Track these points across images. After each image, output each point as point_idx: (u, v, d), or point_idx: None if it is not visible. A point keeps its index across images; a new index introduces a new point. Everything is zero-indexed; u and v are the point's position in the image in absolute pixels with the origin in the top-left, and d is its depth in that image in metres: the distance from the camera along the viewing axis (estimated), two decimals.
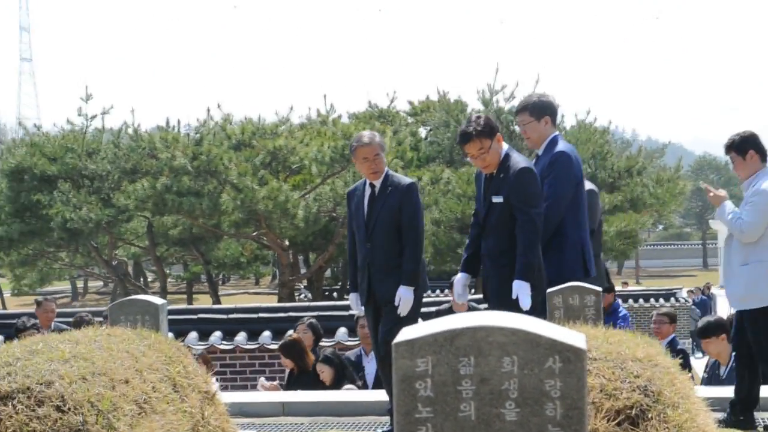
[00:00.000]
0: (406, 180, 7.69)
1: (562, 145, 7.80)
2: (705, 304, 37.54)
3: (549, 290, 7.14)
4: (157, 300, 7.38)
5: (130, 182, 27.31)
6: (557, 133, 7.91)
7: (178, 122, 29.78)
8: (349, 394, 9.21)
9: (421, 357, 2.76)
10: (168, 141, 27.29)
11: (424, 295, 7.94)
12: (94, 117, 31.31)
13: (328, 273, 37.52)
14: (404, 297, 7.39)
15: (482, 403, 2.78)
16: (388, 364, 7.44)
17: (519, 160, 7.27)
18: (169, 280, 39.58)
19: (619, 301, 13.82)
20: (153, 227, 30.87)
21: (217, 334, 15.24)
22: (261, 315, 15.51)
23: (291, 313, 14.90)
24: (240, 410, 8.21)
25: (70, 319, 13.15)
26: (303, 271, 33.41)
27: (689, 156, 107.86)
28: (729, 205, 7.64)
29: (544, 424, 2.79)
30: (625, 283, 51.38)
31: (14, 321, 14.71)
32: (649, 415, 4.46)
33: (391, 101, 36.34)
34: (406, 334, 2.84)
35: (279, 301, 27.14)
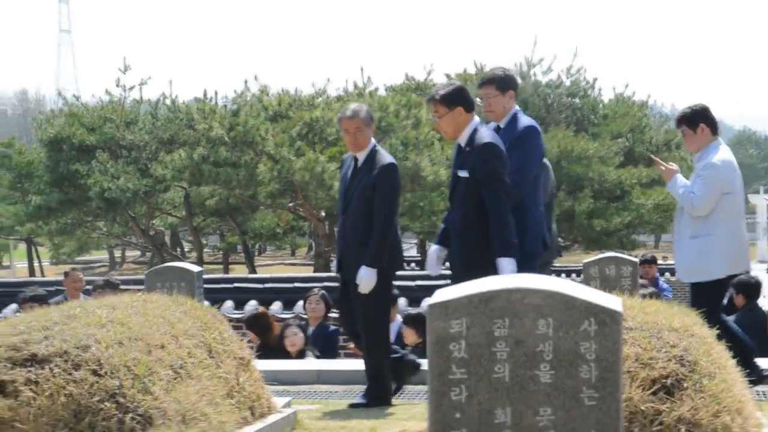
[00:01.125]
0: (387, 159, 7.71)
1: (526, 119, 7.83)
2: None
3: (586, 261, 7.13)
4: (193, 267, 7.43)
5: (167, 152, 27.39)
6: (517, 107, 7.94)
7: (216, 94, 29.86)
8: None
9: (456, 318, 2.76)
10: (205, 112, 27.34)
11: (397, 272, 8.03)
12: (132, 88, 31.43)
13: None
14: (364, 277, 7.50)
15: (517, 365, 2.78)
16: (366, 342, 7.76)
17: (485, 135, 7.28)
18: (205, 250, 39.81)
19: (658, 273, 13.89)
20: (190, 197, 30.99)
21: (253, 303, 15.31)
22: (296, 285, 15.56)
23: (326, 283, 14.93)
24: (275, 377, 8.24)
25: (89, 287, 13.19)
26: None
27: (729, 131, 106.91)
28: (680, 178, 7.65)
29: (579, 386, 2.78)
30: (665, 257, 51.08)
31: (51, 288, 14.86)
32: (685, 385, 4.43)
33: (428, 74, 36.18)
34: (440, 295, 2.84)
35: (315, 272, 27.21)
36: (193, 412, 5.24)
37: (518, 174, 7.48)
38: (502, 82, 7.86)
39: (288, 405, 6.64)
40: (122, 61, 30.63)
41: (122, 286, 11.64)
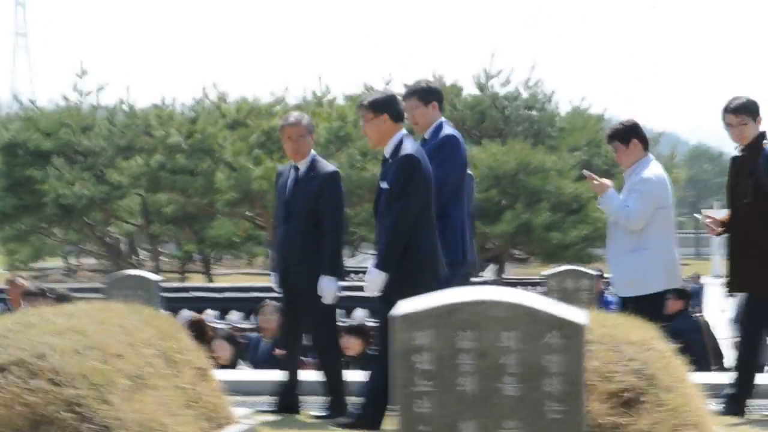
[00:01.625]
0: (330, 167, 7.78)
1: (449, 129, 7.84)
2: (697, 293, 37.52)
3: (545, 272, 7.17)
4: (152, 276, 7.39)
5: (124, 159, 27.24)
6: (443, 118, 7.95)
7: (174, 100, 29.70)
8: (346, 374, 9.22)
9: (420, 330, 2.76)
10: (163, 119, 27.24)
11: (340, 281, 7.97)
12: (89, 93, 31.20)
13: None
14: (326, 287, 7.49)
15: (481, 378, 2.79)
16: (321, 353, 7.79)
17: (407, 147, 7.21)
18: (162, 258, 39.56)
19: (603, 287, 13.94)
20: (147, 205, 30.81)
21: (209, 312, 15.24)
22: (254, 294, 15.50)
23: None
24: (233, 387, 8.19)
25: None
26: None
27: (684, 145, 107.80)
28: (613, 193, 7.73)
29: (543, 399, 2.79)
30: None
31: None
32: (644, 399, 4.46)
33: (387, 83, 36.18)
34: (404, 307, 2.84)
35: None
36: (151, 422, 5.20)
37: (436, 183, 7.42)
38: (423, 93, 7.87)
39: (247, 416, 6.61)
40: (79, 65, 30.45)
41: (76, 295, 11.53)
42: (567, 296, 7.25)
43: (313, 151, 7.83)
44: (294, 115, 7.91)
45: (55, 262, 57.19)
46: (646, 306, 7.40)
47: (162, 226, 34.61)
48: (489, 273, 29.50)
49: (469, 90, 32.70)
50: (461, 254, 7.67)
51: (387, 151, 7.34)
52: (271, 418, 7.41)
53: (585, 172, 8.52)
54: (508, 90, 31.83)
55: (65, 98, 31.64)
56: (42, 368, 4.95)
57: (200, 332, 10.86)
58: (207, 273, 35.17)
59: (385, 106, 7.33)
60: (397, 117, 7.35)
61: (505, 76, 31.44)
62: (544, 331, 2.83)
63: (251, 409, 7.46)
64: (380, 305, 7.12)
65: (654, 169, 7.70)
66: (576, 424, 2.86)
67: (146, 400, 5.29)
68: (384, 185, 7.24)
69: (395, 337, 2.83)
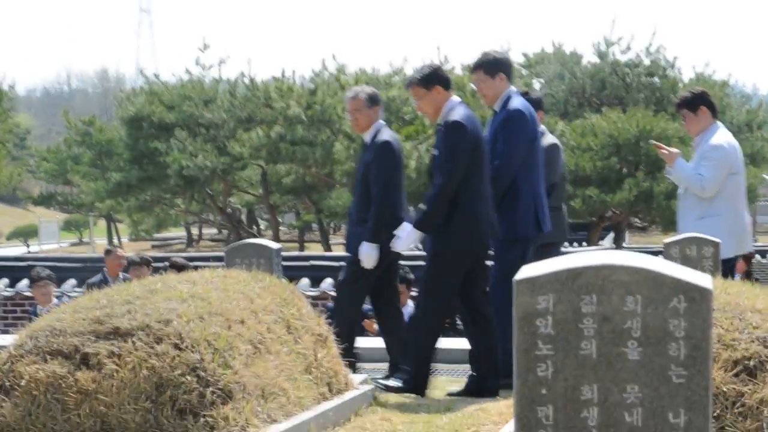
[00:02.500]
0: (384, 137, 7.77)
1: (516, 102, 7.73)
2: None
3: (667, 240, 7.05)
4: (272, 244, 7.46)
5: (245, 131, 27.59)
6: (512, 88, 7.88)
7: (293, 73, 30.07)
8: (453, 341, 9.20)
9: (543, 294, 2.74)
10: (283, 91, 27.46)
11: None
12: (211, 67, 31.74)
13: None
14: (364, 252, 7.62)
15: (604, 342, 2.75)
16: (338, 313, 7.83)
17: (455, 113, 7.24)
18: (281, 228, 40.08)
19: None
20: (267, 175, 31.20)
21: (329, 280, 15.38)
22: None
23: (401, 261, 14.92)
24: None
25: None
26: None
27: None
28: (683, 161, 7.71)
29: (667, 364, 2.75)
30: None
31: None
32: (767, 367, 4.36)
33: (506, 52, 35.99)
34: (526, 271, 2.82)
35: None
36: (271, 387, 5.28)
37: (502, 158, 7.52)
38: (490, 66, 7.81)
39: (365, 382, 6.66)
40: (201, 40, 30.98)
41: (198, 264, 11.70)
42: (689, 264, 7.09)
43: (380, 122, 7.89)
44: (354, 89, 8.05)
45: (177, 232, 58.41)
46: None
47: (281, 197, 35.06)
48: (608, 241, 29.15)
49: (589, 57, 32.31)
50: (535, 227, 7.66)
51: (440, 119, 7.38)
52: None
53: (652, 141, 8.49)
54: (629, 57, 31.34)
55: (188, 72, 32.25)
56: (167, 333, 5.04)
57: None
58: (325, 242, 35.50)
59: (434, 79, 7.39)
60: (448, 85, 7.43)
61: (626, 42, 31.01)
62: (670, 295, 2.78)
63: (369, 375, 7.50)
64: (425, 265, 7.34)
65: (724, 135, 7.67)
66: (702, 389, 2.81)
67: (266, 365, 5.36)
68: (435, 151, 7.35)
69: (516, 302, 2.81)
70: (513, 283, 2.81)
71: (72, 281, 15.21)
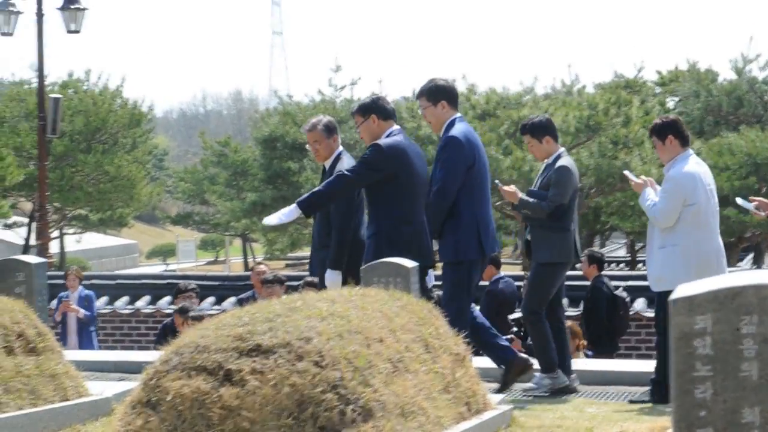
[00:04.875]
0: (343, 166, 8.10)
1: (456, 129, 7.97)
2: None
3: None
4: (409, 263, 7.48)
5: None
6: (457, 115, 8.11)
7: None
8: (595, 363, 9.09)
9: (701, 314, 2.67)
10: (414, 111, 27.55)
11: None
12: (343, 87, 32.05)
13: None
14: (328, 279, 7.97)
15: (766, 364, 2.67)
16: None
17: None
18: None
19: None
20: None
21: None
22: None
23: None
24: (486, 374, 8.22)
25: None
26: None
27: None
28: (649, 192, 7.83)
29: None
30: None
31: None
32: None
33: (638, 71, 35.49)
34: (684, 290, 2.76)
35: (524, 271, 27.05)
36: (411, 405, 5.28)
37: (439, 185, 7.85)
38: (431, 93, 8.08)
39: (503, 402, 6.61)
40: (333, 61, 31.38)
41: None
42: None
43: (340, 149, 8.29)
44: (311, 121, 8.45)
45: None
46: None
47: None
48: (746, 263, 28.46)
49: (725, 75, 31.65)
50: (478, 250, 7.90)
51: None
52: (524, 404, 7.37)
53: (625, 172, 8.56)
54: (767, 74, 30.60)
55: (320, 93, 32.62)
56: (307, 351, 5.08)
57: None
58: None
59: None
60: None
61: (765, 60, 30.20)
62: None
63: (507, 395, 7.45)
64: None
65: (685, 165, 7.76)
66: None
67: (405, 384, 5.36)
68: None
69: (673, 321, 2.75)
70: (669, 303, 2.77)
71: (210, 299, 15.49)
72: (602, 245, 37.05)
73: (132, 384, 6.23)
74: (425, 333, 5.93)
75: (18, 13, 22.94)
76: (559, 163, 8.51)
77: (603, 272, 12.23)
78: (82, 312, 14.24)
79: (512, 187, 8.68)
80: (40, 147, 23.78)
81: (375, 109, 7.90)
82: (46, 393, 6.51)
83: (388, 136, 7.83)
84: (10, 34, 22.87)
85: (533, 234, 8.51)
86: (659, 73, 36.65)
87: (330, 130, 8.26)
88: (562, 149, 8.65)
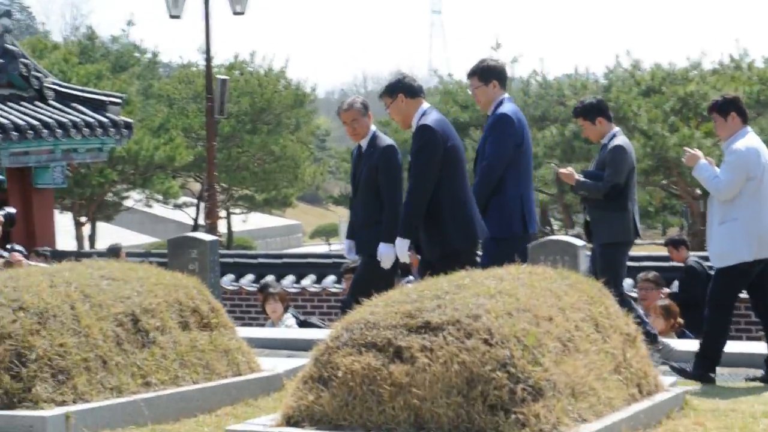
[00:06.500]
0: (386, 142, 8.18)
1: (505, 107, 8.21)
2: None
3: None
4: (577, 241, 7.42)
5: (538, 129, 27.55)
6: (505, 95, 8.34)
7: (586, 69, 29.65)
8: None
9: None
10: (576, 88, 27.29)
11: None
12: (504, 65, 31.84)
13: None
14: (382, 252, 7.87)
15: None
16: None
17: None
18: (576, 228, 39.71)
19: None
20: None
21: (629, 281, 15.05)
22: (655, 264, 15.04)
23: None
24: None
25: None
26: None
27: None
28: (704, 163, 7.76)
29: None
30: None
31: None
32: None
33: None
34: None
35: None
36: (581, 386, 5.23)
37: (488, 161, 8.05)
38: (483, 73, 8.31)
39: (674, 384, 6.47)
40: (494, 39, 31.22)
41: None
42: None
43: (373, 128, 8.26)
44: (347, 101, 8.39)
45: None
46: (729, 275, 7.59)
47: (575, 196, 34.73)
48: None
49: None
50: (521, 227, 8.06)
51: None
52: (697, 387, 7.19)
53: (685, 149, 8.23)
54: None
55: None
56: (476, 329, 5.08)
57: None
58: None
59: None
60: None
61: None
62: None
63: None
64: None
65: (748, 140, 7.71)
66: None
67: (576, 363, 5.31)
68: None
69: None
70: None
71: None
72: None
73: (302, 360, 6.33)
74: (595, 312, 5.85)
75: None
76: (614, 142, 8.65)
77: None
78: None
79: (569, 169, 8.89)
80: (209, 128, 24.32)
81: (402, 87, 7.87)
82: (220, 368, 6.67)
83: (423, 114, 7.80)
84: (178, 17, 23.39)
85: (592, 215, 8.66)
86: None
87: (366, 108, 8.33)
88: (617, 129, 8.86)
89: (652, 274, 11.41)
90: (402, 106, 7.87)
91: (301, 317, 11.65)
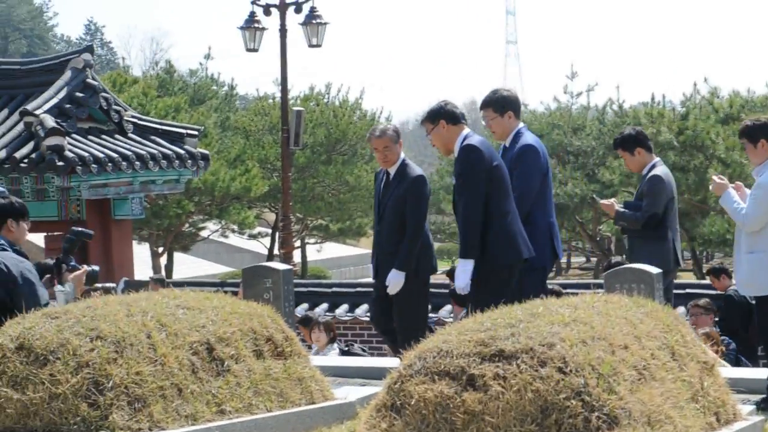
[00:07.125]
0: (416, 172, 8.29)
1: (528, 137, 8.28)
2: None
3: None
4: (651, 268, 7.35)
5: (614, 158, 27.37)
6: (522, 125, 8.36)
7: (663, 97, 29.44)
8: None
9: None
10: (653, 116, 27.10)
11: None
12: (579, 94, 31.82)
13: None
14: (392, 279, 8.13)
15: None
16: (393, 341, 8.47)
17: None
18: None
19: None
20: None
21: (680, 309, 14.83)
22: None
23: None
24: (735, 384, 7.92)
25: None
26: None
27: None
28: (732, 193, 7.62)
29: None
30: None
31: None
32: None
33: None
34: None
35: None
36: (657, 414, 5.16)
37: (518, 193, 7.92)
38: (498, 104, 8.24)
39: (753, 413, 6.36)
40: (569, 68, 31.08)
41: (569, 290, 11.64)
42: None
43: (402, 155, 8.34)
44: (379, 128, 8.48)
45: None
46: (763, 307, 7.48)
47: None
48: None
49: None
50: (551, 255, 8.21)
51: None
52: None
53: (715, 176, 7.98)
54: None
55: (556, 100, 32.43)
56: (551, 357, 5.05)
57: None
58: (698, 270, 34.45)
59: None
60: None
61: None
62: None
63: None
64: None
65: None
66: None
67: (651, 392, 5.25)
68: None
69: None
70: None
71: (448, 307, 15.59)
72: None
73: (375, 389, 6.33)
74: (671, 340, 5.79)
75: (263, 29, 23.71)
76: (652, 173, 8.69)
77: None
78: None
79: (610, 201, 8.98)
80: (284, 159, 24.53)
81: (443, 114, 7.85)
82: (294, 396, 6.69)
83: (465, 138, 7.78)
84: (256, 50, 23.67)
85: (631, 244, 8.77)
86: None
87: (398, 135, 8.40)
88: (656, 159, 8.91)
89: (702, 300, 11.30)
90: (443, 133, 7.87)
91: (344, 347, 11.77)
